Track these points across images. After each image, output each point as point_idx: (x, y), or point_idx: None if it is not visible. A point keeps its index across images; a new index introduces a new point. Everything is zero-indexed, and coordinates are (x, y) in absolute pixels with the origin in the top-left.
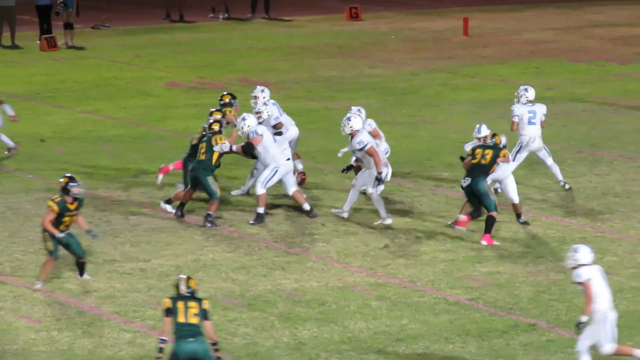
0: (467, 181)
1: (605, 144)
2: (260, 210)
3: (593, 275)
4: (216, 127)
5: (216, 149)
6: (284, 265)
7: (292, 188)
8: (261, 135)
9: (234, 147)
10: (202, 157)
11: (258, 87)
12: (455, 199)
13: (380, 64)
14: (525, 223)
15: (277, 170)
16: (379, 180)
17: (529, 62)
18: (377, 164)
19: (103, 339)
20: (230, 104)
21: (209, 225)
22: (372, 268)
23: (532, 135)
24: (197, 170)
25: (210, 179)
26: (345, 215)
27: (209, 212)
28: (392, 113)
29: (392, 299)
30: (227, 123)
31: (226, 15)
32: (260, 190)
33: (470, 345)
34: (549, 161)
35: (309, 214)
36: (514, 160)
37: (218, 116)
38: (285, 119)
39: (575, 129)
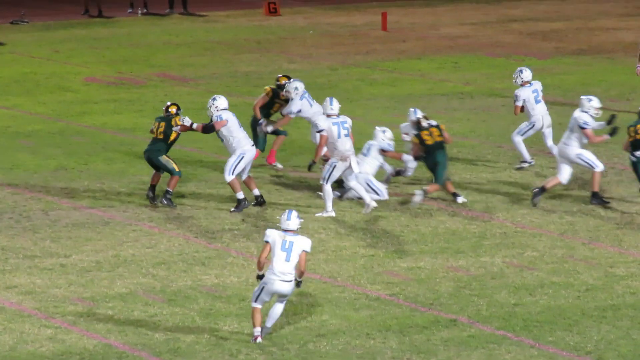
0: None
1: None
2: (239, 195)
3: None
4: (173, 109)
5: (175, 129)
6: (204, 260)
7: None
8: (226, 120)
9: (195, 125)
10: (160, 136)
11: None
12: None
13: (299, 59)
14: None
15: (242, 157)
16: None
17: (447, 57)
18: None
19: (24, 334)
20: (282, 86)
21: (166, 203)
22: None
23: (542, 112)
24: (150, 152)
25: (163, 158)
26: (373, 204)
27: (168, 189)
28: None
29: (312, 295)
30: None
31: (144, 10)
32: (229, 177)
33: (391, 341)
34: (549, 142)
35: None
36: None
37: (174, 109)
38: (316, 109)
39: (494, 123)
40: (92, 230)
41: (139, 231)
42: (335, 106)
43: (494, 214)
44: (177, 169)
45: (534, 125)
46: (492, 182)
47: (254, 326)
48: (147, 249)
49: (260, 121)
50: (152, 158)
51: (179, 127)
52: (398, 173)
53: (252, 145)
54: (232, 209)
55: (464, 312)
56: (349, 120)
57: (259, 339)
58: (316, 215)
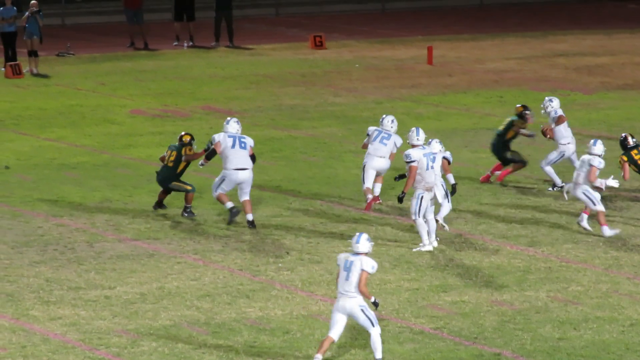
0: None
1: (571, 173)
2: (228, 205)
3: None
4: (187, 138)
5: (183, 158)
6: (248, 293)
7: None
8: (218, 142)
9: (201, 161)
10: (170, 164)
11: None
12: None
13: (344, 93)
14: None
15: (224, 178)
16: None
17: (493, 91)
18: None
19: None
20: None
21: (187, 215)
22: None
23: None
24: (161, 178)
25: (174, 185)
26: (428, 247)
27: (187, 205)
28: (356, 142)
29: (356, 328)
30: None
31: (190, 43)
32: (214, 194)
33: None
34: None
35: (249, 224)
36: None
37: (187, 138)
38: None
39: (539, 158)
40: (136, 263)
41: (183, 263)
42: (421, 137)
43: (539, 248)
44: (189, 188)
45: (563, 155)
46: (536, 216)
47: (317, 352)
48: (191, 281)
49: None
50: (163, 185)
51: (186, 156)
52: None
53: (243, 169)
54: (229, 222)
55: (508, 346)
56: (436, 147)
57: None
58: (413, 250)
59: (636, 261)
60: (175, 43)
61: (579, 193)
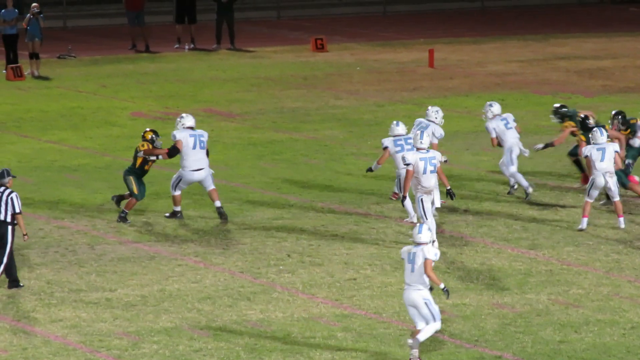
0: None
1: (572, 177)
2: (176, 208)
3: None
4: (149, 135)
5: (139, 154)
6: (249, 295)
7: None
8: (180, 139)
9: (160, 155)
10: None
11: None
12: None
13: (345, 95)
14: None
15: (180, 178)
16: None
17: (494, 94)
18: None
19: None
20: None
21: (119, 221)
22: (337, 299)
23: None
24: (124, 172)
25: (130, 179)
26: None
27: (124, 210)
28: (357, 144)
29: (357, 330)
30: None
31: (191, 45)
32: (173, 192)
33: None
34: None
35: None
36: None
37: (149, 135)
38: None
39: (540, 161)
40: (137, 265)
41: (184, 266)
42: (425, 140)
43: (540, 251)
44: (136, 192)
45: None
46: (537, 219)
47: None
48: (192, 284)
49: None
50: (124, 176)
51: (142, 152)
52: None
53: (199, 169)
54: (166, 214)
55: (509, 349)
56: (438, 155)
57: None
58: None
59: (637, 264)
60: (177, 45)
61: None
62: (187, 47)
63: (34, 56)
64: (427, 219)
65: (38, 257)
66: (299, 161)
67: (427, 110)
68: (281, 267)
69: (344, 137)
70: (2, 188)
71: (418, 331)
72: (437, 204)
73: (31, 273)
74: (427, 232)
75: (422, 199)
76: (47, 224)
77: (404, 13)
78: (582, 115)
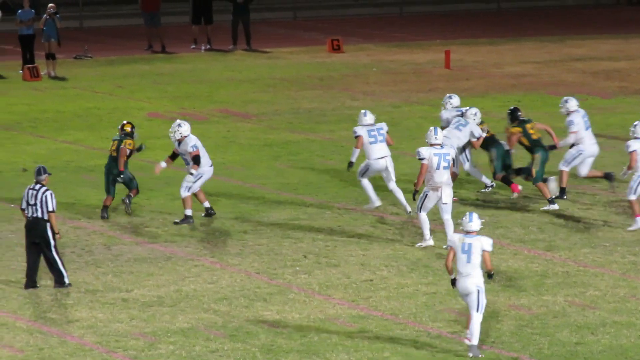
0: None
1: (588, 178)
2: (188, 212)
3: None
4: (128, 127)
5: (122, 147)
6: (265, 296)
7: None
8: (198, 148)
9: (192, 171)
10: (114, 154)
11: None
12: (437, 231)
13: (362, 96)
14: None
15: (201, 176)
16: None
17: (510, 96)
18: None
19: None
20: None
21: (126, 205)
22: (353, 300)
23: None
24: (106, 170)
25: (126, 175)
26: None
27: (130, 194)
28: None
29: (373, 332)
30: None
31: (208, 46)
32: (184, 193)
33: None
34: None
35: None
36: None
37: (128, 128)
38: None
39: (556, 162)
40: (154, 265)
41: (200, 266)
42: (439, 136)
43: (556, 253)
44: (136, 183)
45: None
46: (554, 220)
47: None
48: (208, 285)
49: None
50: (115, 174)
51: (129, 150)
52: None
53: (211, 166)
54: (176, 221)
55: (526, 350)
56: (452, 152)
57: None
58: (416, 245)
59: None
60: (193, 46)
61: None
62: (203, 47)
63: (50, 56)
64: (420, 212)
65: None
66: (315, 162)
67: (466, 110)
68: (297, 268)
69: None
70: (38, 185)
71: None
72: (447, 201)
73: (47, 273)
74: (477, 221)
75: (427, 194)
76: (63, 224)
77: (420, 14)
78: (512, 108)
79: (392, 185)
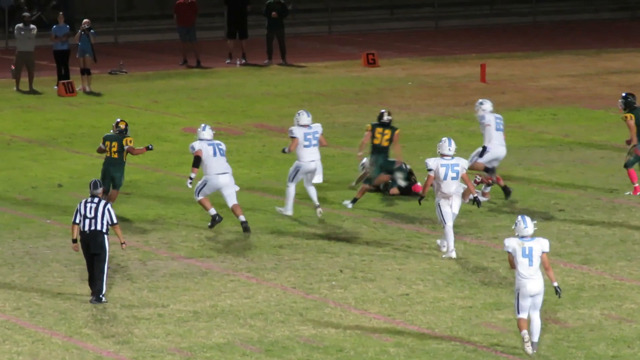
0: None
1: (624, 191)
2: (211, 212)
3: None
4: (122, 125)
5: (126, 149)
6: (301, 311)
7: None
8: (199, 149)
9: (191, 174)
10: (115, 155)
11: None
12: (472, 245)
13: (397, 110)
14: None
15: (206, 182)
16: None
17: (546, 109)
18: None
19: None
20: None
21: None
22: (390, 314)
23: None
24: (104, 168)
25: (119, 176)
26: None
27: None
28: (409, 159)
29: (410, 346)
30: None
31: (243, 61)
32: (196, 198)
33: None
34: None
35: (214, 220)
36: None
37: (123, 125)
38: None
39: (592, 175)
40: (189, 281)
41: (236, 281)
42: (452, 148)
43: (593, 266)
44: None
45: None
46: (590, 234)
47: (521, 330)
48: (244, 300)
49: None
50: (114, 177)
51: (128, 147)
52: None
53: (223, 174)
54: (209, 224)
55: None
56: (462, 163)
57: (529, 348)
58: (442, 256)
59: None
60: (228, 61)
61: None
62: (238, 62)
63: (85, 72)
64: (445, 223)
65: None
66: (351, 176)
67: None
68: (333, 283)
69: (395, 152)
70: (97, 199)
71: (523, 323)
72: (455, 211)
73: (83, 289)
74: (531, 224)
75: (439, 203)
76: None
77: (456, 28)
78: (381, 112)
79: (311, 185)
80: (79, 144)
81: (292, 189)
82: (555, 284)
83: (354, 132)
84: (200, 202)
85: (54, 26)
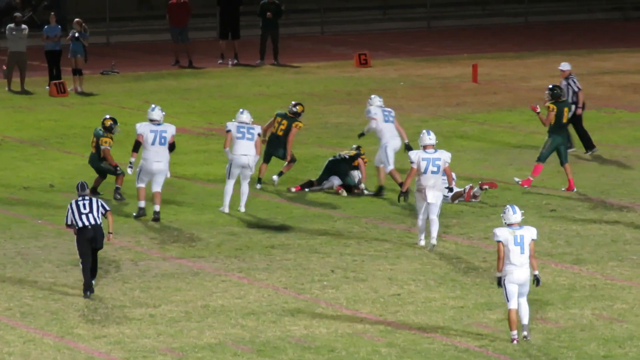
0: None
1: (615, 191)
2: (140, 204)
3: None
4: (108, 123)
5: (103, 148)
6: (293, 311)
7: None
8: (140, 134)
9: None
10: (93, 150)
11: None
12: (464, 246)
13: None
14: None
15: (141, 168)
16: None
17: None
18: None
19: None
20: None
21: (119, 197)
22: (381, 315)
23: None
24: (92, 162)
25: (104, 164)
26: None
27: (117, 186)
28: (400, 160)
29: (401, 346)
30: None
31: (235, 61)
32: (137, 184)
33: None
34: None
35: (140, 213)
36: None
37: (108, 123)
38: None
39: (584, 176)
40: (181, 281)
41: (228, 282)
42: (432, 137)
43: (584, 266)
44: (119, 169)
45: None
46: (581, 234)
47: (511, 330)
48: (236, 300)
49: None
50: (94, 167)
51: (103, 149)
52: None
53: (158, 162)
54: (134, 215)
55: None
56: (444, 156)
57: (515, 342)
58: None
59: None
60: (220, 61)
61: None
62: (230, 62)
63: (77, 72)
64: (418, 215)
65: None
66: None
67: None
68: (325, 283)
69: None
70: (88, 198)
71: (513, 314)
72: (433, 201)
73: (75, 289)
74: (519, 211)
75: (415, 195)
76: None
77: (448, 28)
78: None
79: (244, 185)
80: (70, 145)
81: (228, 186)
82: (536, 273)
83: (345, 133)
84: (137, 189)
85: (46, 26)
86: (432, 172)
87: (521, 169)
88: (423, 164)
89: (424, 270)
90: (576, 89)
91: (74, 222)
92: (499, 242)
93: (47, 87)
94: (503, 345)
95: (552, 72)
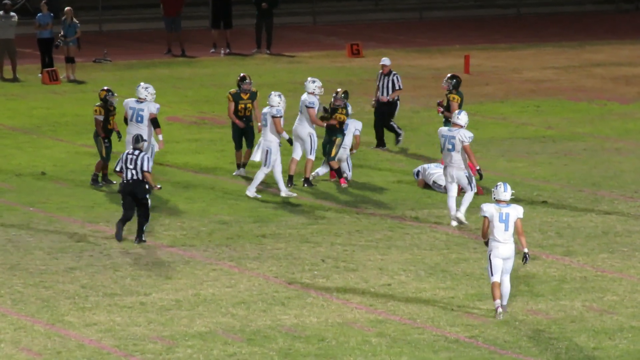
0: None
1: (606, 183)
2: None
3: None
4: (102, 94)
5: (97, 117)
6: (283, 300)
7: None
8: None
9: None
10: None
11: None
12: (454, 236)
13: None
14: None
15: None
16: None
17: (529, 101)
18: None
19: None
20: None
21: (92, 184)
22: (372, 304)
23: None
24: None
25: (98, 140)
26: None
27: (95, 173)
28: (393, 150)
29: (391, 336)
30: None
31: (227, 50)
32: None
33: None
34: None
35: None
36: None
37: (103, 94)
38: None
39: (575, 168)
40: (172, 269)
41: (219, 270)
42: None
43: (574, 258)
44: (104, 155)
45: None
46: (572, 226)
47: (494, 299)
48: (226, 289)
49: None
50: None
51: (99, 116)
52: None
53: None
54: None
55: (543, 355)
56: (460, 135)
57: (500, 316)
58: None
59: None
60: (212, 50)
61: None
62: (222, 52)
63: (69, 60)
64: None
65: (72, 260)
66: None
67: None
68: (315, 272)
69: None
70: (137, 151)
71: (496, 287)
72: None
73: (65, 277)
74: (509, 191)
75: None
76: (82, 227)
77: (440, 19)
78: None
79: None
80: (62, 132)
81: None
82: (526, 250)
83: None
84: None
85: (38, 14)
86: (449, 150)
87: (513, 160)
88: (442, 141)
89: (415, 261)
90: (397, 87)
91: (123, 170)
92: (484, 217)
93: (40, 75)
94: (493, 336)
95: (543, 64)
